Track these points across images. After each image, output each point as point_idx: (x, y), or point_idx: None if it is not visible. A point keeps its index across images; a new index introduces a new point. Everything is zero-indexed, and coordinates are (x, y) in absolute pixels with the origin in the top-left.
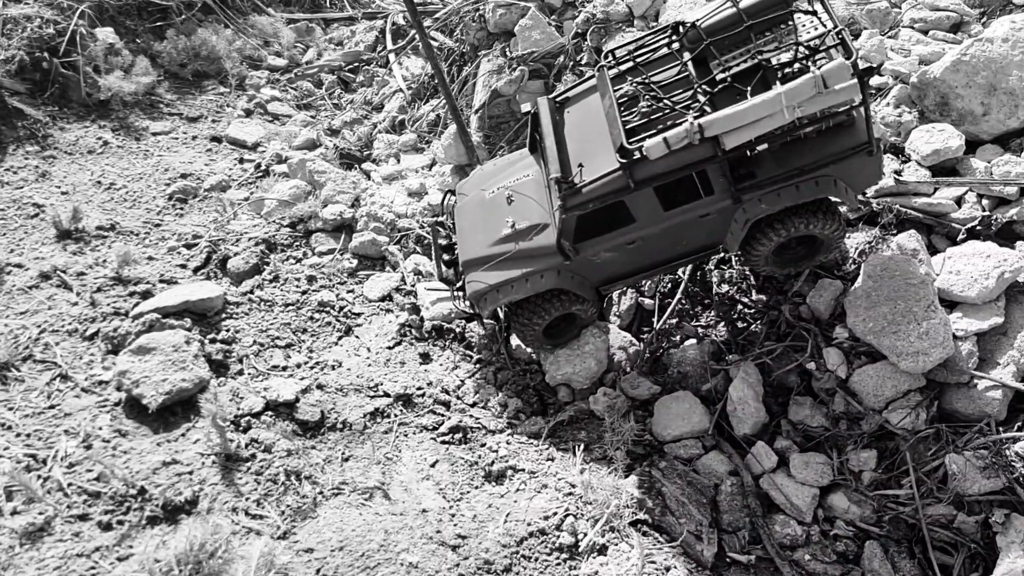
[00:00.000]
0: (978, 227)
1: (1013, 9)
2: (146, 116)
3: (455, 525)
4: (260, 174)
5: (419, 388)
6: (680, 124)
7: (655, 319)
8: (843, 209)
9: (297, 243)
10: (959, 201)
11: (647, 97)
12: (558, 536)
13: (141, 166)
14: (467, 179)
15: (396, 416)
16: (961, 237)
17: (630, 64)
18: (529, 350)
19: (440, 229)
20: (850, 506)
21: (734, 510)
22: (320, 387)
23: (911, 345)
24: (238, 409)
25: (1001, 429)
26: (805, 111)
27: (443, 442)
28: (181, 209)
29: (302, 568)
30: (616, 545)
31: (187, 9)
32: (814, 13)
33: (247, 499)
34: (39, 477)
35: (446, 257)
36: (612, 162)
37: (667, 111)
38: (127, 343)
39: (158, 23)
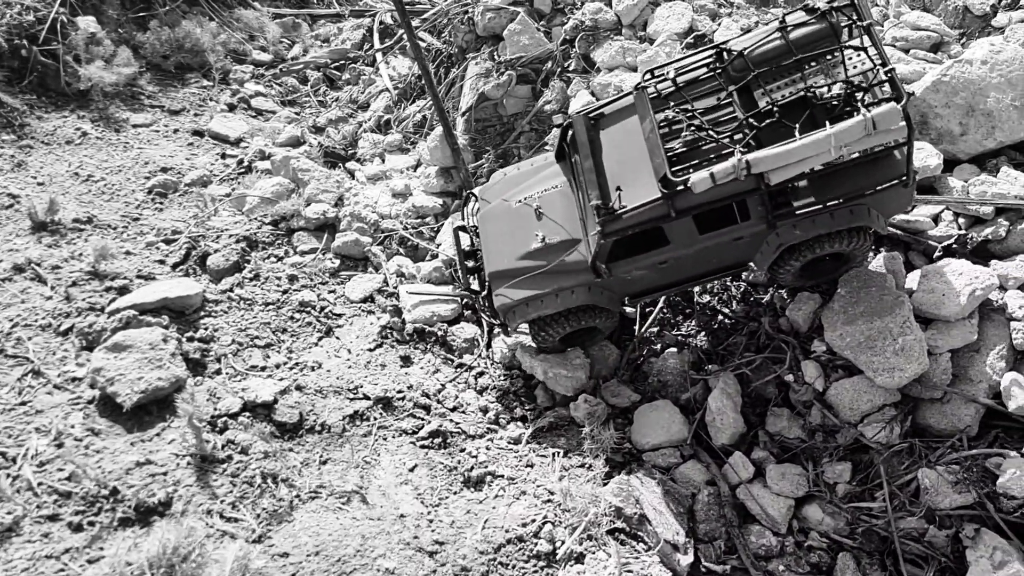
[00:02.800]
0: (954, 245)
1: (992, 31)
2: (127, 108)
3: (433, 531)
4: (242, 170)
5: (399, 391)
6: (725, 154)
7: (637, 327)
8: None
9: (279, 241)
10: (936, 219)
11: (690, 126)
12: (536, 543)
13: (120, 158)
14: (489, 184)
15: (375, 419)
16: (937, 254)
17: (670, 85)
18: (511, 356)
19: (462, 234)
20: (824, 518)
21: (711, 520)
22: (299, 388)
23: (887, 361)
24: (215, 409)
25: (973, 445)
26: (852, 150)
27: (422, 446)
28: (161, 203)
29: (277, 573)
30: (593, 553)
31: (171, 0)
32: (863, 49)
33: (222, 501)
34: (8, 476)
35: (470, 264)
36: (653, 190)
37: (712, 142)
38: (102, 339)
39: (141, 13)
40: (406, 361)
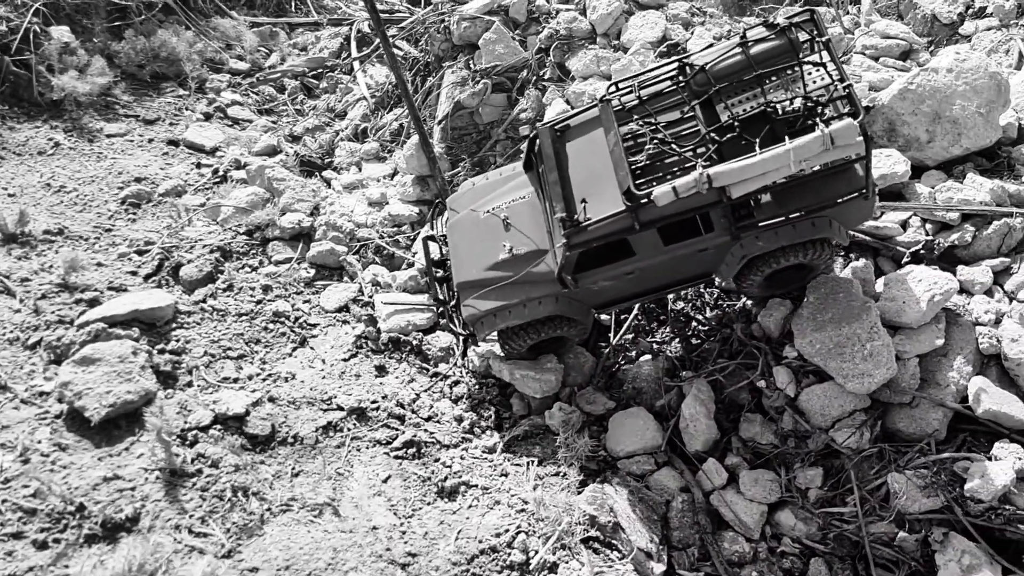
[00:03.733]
0: (921, 251)
1: (959, 39)
2: (101, 117)
3: (405, 543)
4: (217, 180)
5: (373, 401)
6: (687, 168)
7: (611, 335)
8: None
9: (253, 251)
10: (904, 225)
11: (654, 140)
12: (509, 554)
13: (93, 169)
14: (458, 194)
15: (349, 430)
16: (905, 260)
17: (634, 98)
18: (486, 365)
19: (431, 243)
20: (797, 523)
21: (684, 527)
22: (272, 400)
23: (856, 367)
24: (185, 422)
25: (941, 449)
26: (811, 164)
27: (396, 457)
28: (134, 214)
29: None
30: (567, 563)
31: (147, 9)
32: (822, 65)
33: (191, 516)
34: None
35: (438, 274)
36: (617, 203)
37: (674, 156)
38: (71, 353)
39: (116, 23)
40: (381, 371)
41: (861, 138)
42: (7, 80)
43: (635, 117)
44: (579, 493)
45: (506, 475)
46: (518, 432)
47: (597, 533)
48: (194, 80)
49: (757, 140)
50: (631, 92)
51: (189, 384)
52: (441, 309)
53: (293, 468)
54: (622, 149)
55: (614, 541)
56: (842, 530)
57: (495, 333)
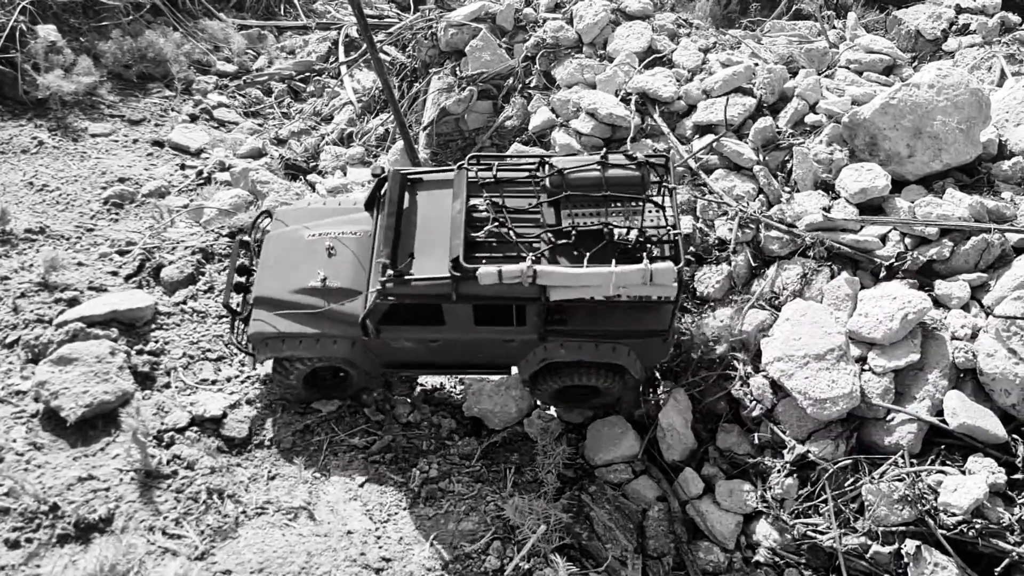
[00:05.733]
0: (900, 264)
1: (943, 55)
2: (86, 117)
3: (380, 548)
4: (201, 181)
5: (351, 406)
6: (518, 258)
7: None
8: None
9: None
10: (884, 239)
11: (496, 220)
12: (483, 560)
13: (77, 168)
14: (290, 207)
15: (327, 434)
16: (883, 274)
17: (490, 176)
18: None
19: (243, 249)
20: (772, 533)
21: (660, 536)
22: (249, 402)
23: (821, 392)
24: (162, 424)
25: (917, 462)
26: (628, 293)
27: (373, 462)
28: (116, 214)
29: None
30: (541, 570)
31: (135, 10)
32: (663, 208)
33: (165, 518)
34: None
35: (239, 279)
36: (443, 267)
37: (512, 241)
38: (48, 352)
39: (103, 23)
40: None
41: (676, 284)
42: None
43: (485, 194)
44: (556, 500)
45: (483, 481)
46: (496, 439)
47: (573, 541)
48: (181, 81)
49: (588, 254)
50: (489, 170)
51: (167, 385)
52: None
53: (269, 471)
54: (464, 218)
55: (589, 549)
56: (816, 541)
57: (273, 360)
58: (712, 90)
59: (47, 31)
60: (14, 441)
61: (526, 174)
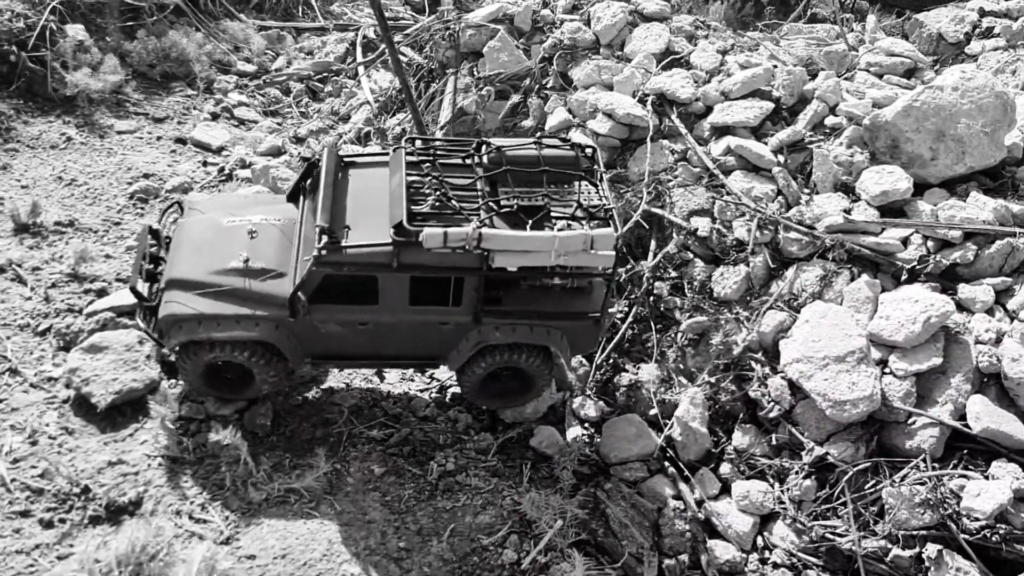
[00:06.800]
0: (922, 267)
1: (965, 59)
2: (112, 114)
3: (399, 538)
4: (223, 178)
5: (371, 401)
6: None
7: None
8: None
9: None
10: (905, 242)
11: (437, 192)
12: (500, 553)
13: (104, 164)
14: (206, 198)
15: (347, 427)
16: (905, 277)
17: (428, 159)
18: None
19: (153, 239)
20: (789, 535)
21: (675, 534)
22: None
23: (841, 394)
24: (186, 412)
25: (937, 466)
26: (568, 262)
27: (391, 454)
28: (142, 209)
29: (243, 574)
30: (557, 564)
31: (159, 10)
32: (596, 185)
33: (192, 503)
34: None
35: (147, 267)
36: (384, 236)
37: (452, 212)
38: (79, 341)
39: (129, 23)
40: (379, 371)
41: (614, 254)
42: (23, 76)
43: (425, 170)
44: (571, 497)
45: (499, 476)
46: (512, 435)
47: (589, 537)
48: (202, 81)
49: (530, 222)
50: (426, 151)
51: None
52: (139, 308)
53: (291, 461)
54: (404, 190)
55: (605, 545)
56: (835, 544)
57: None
58: (731, 91)
59: (75, 30)
60: (47, 425)
61: (464, 154)
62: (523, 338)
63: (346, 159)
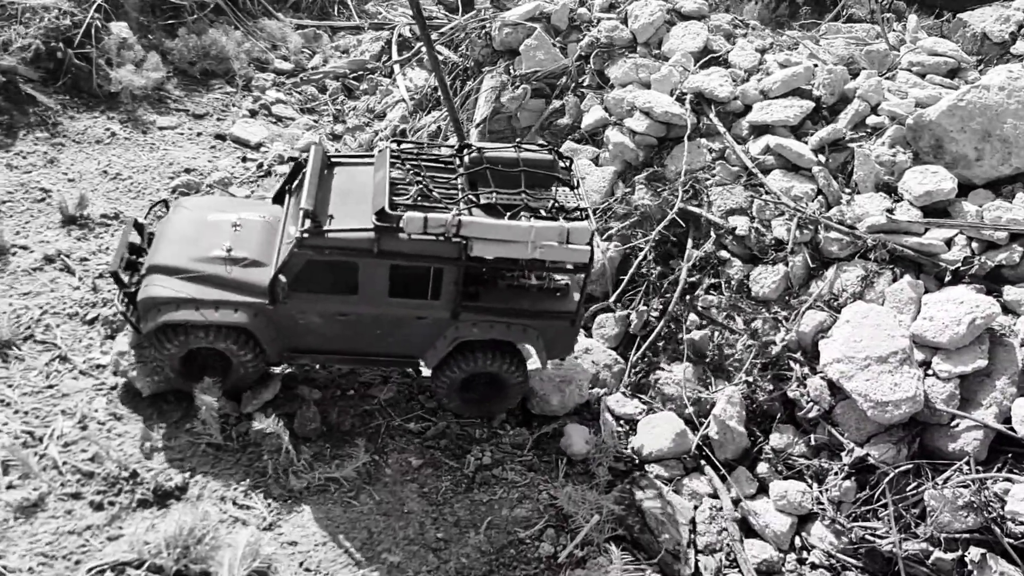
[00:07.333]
0: (966, 269)
1: (1011, 59)
2: (154, 110)
3: (437, 529)
4: (262, 174)
5: (408, 395)
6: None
7: (641, 339)
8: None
9: None
10: (949, 243)
11: (419, 184)
12: (537, 546)
13: (147, 158)
14: (193, 198)
15: (385, 419)
16: (948, 278)
17: (412, 158)
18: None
19: (138, 232)
20: (828, 536)
21: (712, 533)
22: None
23: (882, 395)
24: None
25: (981, 469)
26: (544, 255)
27: (428, 447)
28: None
29: (286, 560)
30: (595, 558)
31: (199, 9)
32: (573, 187)
33: (235, 489)
34: (35, 454)
35: (130, 256)
36: (366, 223)
37: (433, 203)
38: (125, 329)
39: (171, 21)
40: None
41: (589, 248)
42: (69, 72)
43: (407, 166)
44: (607, 492)
45: (535, 471)
46: (547, 430)
47: (625, 532)
48: (241, 78)
49: (508, 214)
50: (412, 151)
51: None
52: (121, 296)
53: (331, 451)
54: (388, 183)
55: (641, 541)
56: (875, 545)
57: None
58: (770, 90)
59: (119, 28)
60: (96, 411)
61: (447, 155)
62: (500, 335)
63: (333, 158)
